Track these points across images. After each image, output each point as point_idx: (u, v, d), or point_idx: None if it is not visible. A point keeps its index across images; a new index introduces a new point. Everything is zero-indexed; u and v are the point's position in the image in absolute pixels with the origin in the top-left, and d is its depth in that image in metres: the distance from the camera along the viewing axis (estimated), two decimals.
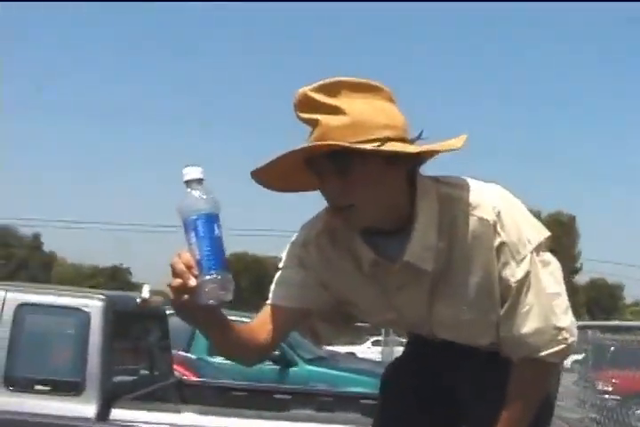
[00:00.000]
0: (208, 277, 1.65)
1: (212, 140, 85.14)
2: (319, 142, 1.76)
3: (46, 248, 66.51)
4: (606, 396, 7.85)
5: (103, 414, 3.96)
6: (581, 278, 54.66)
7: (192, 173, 1.69)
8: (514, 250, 1.89)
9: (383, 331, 24.97)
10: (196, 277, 1.64)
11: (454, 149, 1.84)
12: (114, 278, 59.43)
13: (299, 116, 1.82)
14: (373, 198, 1.83)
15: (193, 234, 1.67)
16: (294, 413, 4.94)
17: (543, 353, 1.93)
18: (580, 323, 8.40)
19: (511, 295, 1.91)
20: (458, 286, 1.94)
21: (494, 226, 1.88)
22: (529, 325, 1.91)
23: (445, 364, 2.15)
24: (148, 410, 4.00)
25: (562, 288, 1.96)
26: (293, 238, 2.06)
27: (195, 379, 6.44)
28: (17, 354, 4.17)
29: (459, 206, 1.90)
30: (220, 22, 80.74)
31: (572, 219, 52.32)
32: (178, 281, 1.65)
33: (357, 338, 29.30)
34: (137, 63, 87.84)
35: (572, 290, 50.55)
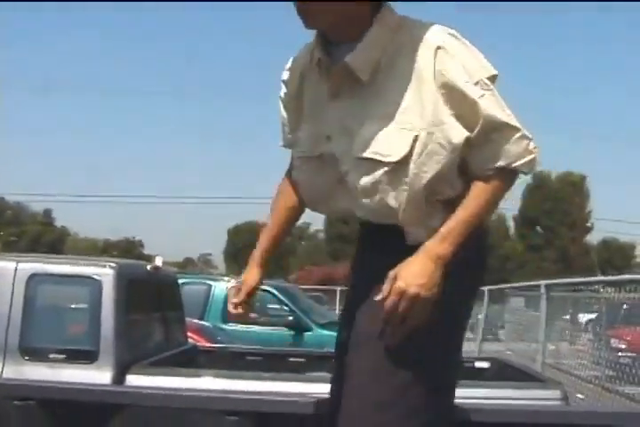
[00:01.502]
0: None
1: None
2: None
3: (58, 223, 66.78)
4: (620, 353, 7.85)
5: (119, 381, 3.98)
6: (593, 238, 54.59)
7: None
8: (468, 73, 2.03)
9: None
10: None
11: None
12: (127, 251, 59.67)
13: None
14: (330, 12, 2.04)
15: None
16: (309, 375, 4.94)
17: (519, 162, 2.05)
18: (593, 279, 8.41)
19: (481, 109, 2.02)
20: (388, 98, 2.06)
21: (445, 50, 2.03)
22: (504, 134, 2.03)
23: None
24: (164, 375, 4.01)
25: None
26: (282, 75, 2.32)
27: (209, 345, 6.46)
28: (31, 324, 4.18)
29: (411, 31, 2.08)
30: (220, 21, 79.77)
31: (583, 179, 52.09)
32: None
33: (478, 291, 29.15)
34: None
35: (584, 250, 50.53)
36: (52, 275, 4.27)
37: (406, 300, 1.94)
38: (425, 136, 2.01)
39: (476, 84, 2.03)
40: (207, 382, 4.02)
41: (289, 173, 2.41)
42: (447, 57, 2.03)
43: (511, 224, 53.58)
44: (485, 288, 10.74)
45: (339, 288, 25.13)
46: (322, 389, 2.55)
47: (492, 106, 2.03)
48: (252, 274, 2.45)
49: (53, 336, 4.36)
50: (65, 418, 2.91)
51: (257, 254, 2.46)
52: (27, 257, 4.52)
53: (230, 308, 2.42)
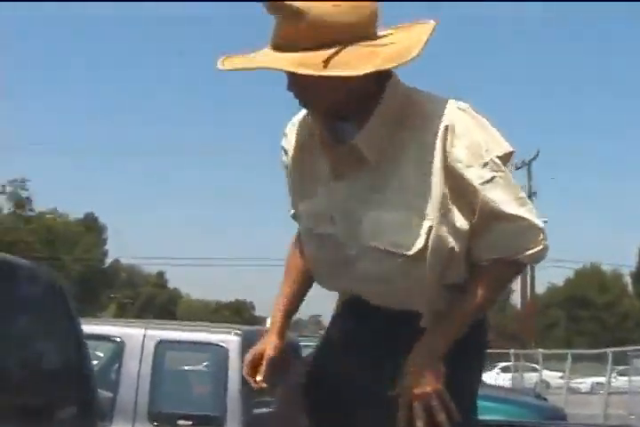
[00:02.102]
0: None
1: None
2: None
3: (170, 285, 68.11)
4: None
5: None
6: None
7: None
8: (476, 154, 1.90)
9: (512, 357, 24.50)
10: None
11: (410, 60, 1.85)
12: (238, 313, 60.28)
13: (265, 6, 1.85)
14: (327, 98, 1.92)
15: None
16: None
17: (526, 253, 1.92)
18: None
19: (484, 199, 1.89)
20: (394, 184, 1.94)
21: (452, 129, 1.90)
22: (511, 225, 1.90)
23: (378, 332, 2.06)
24: None
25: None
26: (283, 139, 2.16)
27: None
28: (159, 390, 4.26)
29: (421, 109, 1.94)
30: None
31: None
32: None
33: (485, 365, 28.76)
34: None
35: None
36: (179, 342, 4.35)
37: (430, 409, 1.93)
38: (437, 225, 1.92)
39: (484, 165, 1.90)
40: None
41: (299, 235, 2.25)
42: (455, 137, 1.90)
43: (629, 281, 51.97)
44: (609, 351, 10.38)
45: None
46: None
47: (498, 193, 1.90)
48: (272, 343, 2.19)
49: (181, 402, 4.43)
50: None
51: (277, 320, 2.23)
52: (155, 324, 4.62)
53: (251, 381, 2.18)
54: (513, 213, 1.90)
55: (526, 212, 1.92)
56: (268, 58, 1.86)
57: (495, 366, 28.54)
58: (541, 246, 1.93)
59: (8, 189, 32.17)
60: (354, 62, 1.83)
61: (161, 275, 67.54)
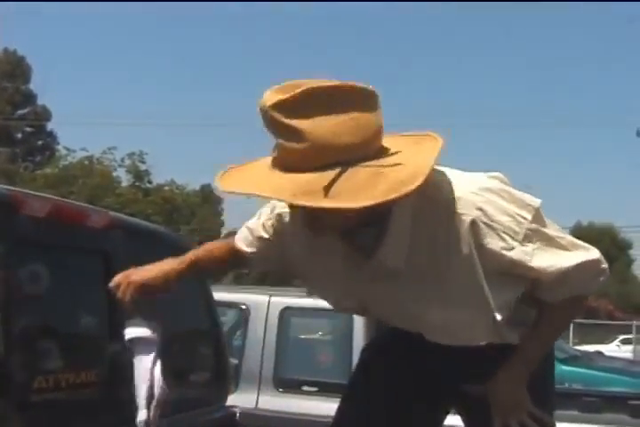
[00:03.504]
0: None
1: None
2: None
3: None
4: None
5: None
6: None
7: None
8: (512, 233, 1.84)
9: (634, 329, 23.91)
10: None
11: (412, 190, 1.68)
12: None
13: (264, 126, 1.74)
14: (338, 223, 1.81)
15: None
16: (557, 413, 4.76)
17: (594, 287, 1.99)
18: None
19: (537, 268, 1.87)
20: (446, 288, 1.89)
21: (480, 221, 1.83)
22: (576, 271, 1.90)
23: (430, 349, 2.06)
24: None
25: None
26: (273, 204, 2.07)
27: None
28: (284, 356, 4.31)
29: (437, 207, 1.84)
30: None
31: None
32: None
33: (604, 337, 28.20)
34: None
35: None
36: (303, 309, 4.38)
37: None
38: (497, 312, 1.93)
39: (524, 240, 1.86)
40: None
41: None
42: (484, 228, 1.84)
43: None
44: None
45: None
46: None
47: (548, 257, 1.88)
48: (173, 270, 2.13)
49: (305, 368, 4.47)
50: None
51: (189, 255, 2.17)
52: (279, 291, 4.67)
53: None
54: (572, 264, 1.90)
55: (581, 254, 1.92)
56: (268, 182, 1.73)
57: (615, 339, 27.97)
58: (605, 275, 1.97)
59: (127, 162, 33.07)
60: (354, 191, 1.68)
61: None
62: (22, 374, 2.20)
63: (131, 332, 2.10)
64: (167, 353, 2.99)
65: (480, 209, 1.84)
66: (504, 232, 1.85)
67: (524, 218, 1.87)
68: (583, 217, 55.25)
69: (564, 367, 8.74)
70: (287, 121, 1.69)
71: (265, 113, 1.70)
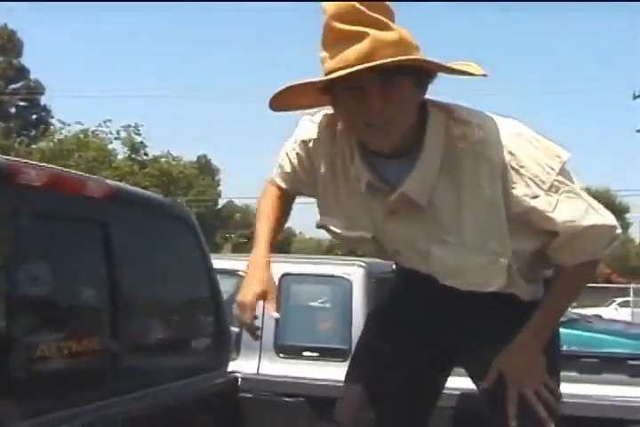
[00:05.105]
0: None
1: None
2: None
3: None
4: None
5: None
6: None
7: None
8: (538, 182, 1.86)
9: (632, 292, 24.03)
10: None
11: (484, 75, 1.82)
12: (351, 251, 60.64)
13: (337, 28, 1.75)
14: (406, 117, 1.84)
15: None
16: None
17: (604, 252, 1.99)
18: None
19: (556, 220, 1.90)
20: (465, 229, 1.91)
21: (506, 165, 1.85)
22: (590, 233, 1.93)
23: (438, 303, 2.13)
24: None
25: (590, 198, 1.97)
26: (299, 132, 2.11)
27: None
28: (285, 323, 4.32)
29: (469, 146, 1.87)
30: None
31: None
32: None
33: (602, 300, 28.33)
34: None
35: None
36: (302, 275, 4.40)
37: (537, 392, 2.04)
38: (512, 260, 1.96)
39: (549, 189, 1.89)
40: None
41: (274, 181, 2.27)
42: (514, 172, 1.87)
43: None
44: None
45: None
46: None
47: (570, 211, 1.91)
48: (267, 279, 2.11)
49: (306, 334, 4.50)
50: (319, 414, 3.00)
51: (264, 234, 2.18)
52: (278, 258, 4.67)
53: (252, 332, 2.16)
54: (589, 224, 1.93)
55: (599, 217, 1.95)
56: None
57: (614, 302, 28.10)
58: (617, 241, 1.99)
59: (123, 134, 32.95)
60: (448, 65, 1.83)
61: None
62: (24, 342, 2.21)
63: None
64: (168, 321, 3.03)
65: (511, 153, 1.87)
66: (531, 179, 1.87)
67: (552, 168, 1.89)
68: (580, 182, 55.13)
69: (563, 330, 8.76)
70: (376, 15, 1.76)
71: (351, 7, 1.74)
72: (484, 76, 1.83)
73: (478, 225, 1.91)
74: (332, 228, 2.11)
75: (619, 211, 44.57)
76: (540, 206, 1.89)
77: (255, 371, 4.12)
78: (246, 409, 3.16)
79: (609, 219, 1.97)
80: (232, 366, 3.34)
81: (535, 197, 1.88)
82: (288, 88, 1.84)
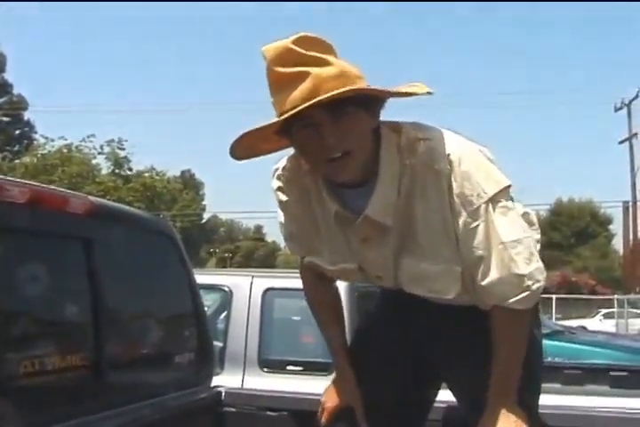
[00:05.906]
0: None
1: None
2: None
3: (269, 238, 69.00)
4: None
5: None
6: None
7: None
8: (466, 202, 1.91)
9: (616, 303, 24.11)
10: None
11: (429, 93, 1.89)
12: None
13: (279, 72, 1.82)
14: (363, 145, 1.90)
15: None
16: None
17: (509, 301, 1.94)
18: None
19: (467, 247, 1.94)
20: (420, 239, 1.98)
21: (448, 177, 1.90)
22: (490, 275, 1.93)
23: (416, 319, 2.20)
24: None
25: (525, 234, 1.96)
26: (274, 184, 2.16)
27: None
28: (268, 337, 4.34)
29: (417, 158, 1.93)
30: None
31: None
32: None
33: (587, 311, 28.42)
34: None
35: None
36: (287, 289, 4.41)
37: None
38: (461, 268, 1.99)
39: (473, 212, 1.92)
40: None
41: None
42: (454, 186, 1.91)
43: None
44: None
45: (554, 296, 24.51)
46: None
47: (478, 241, 1.94)
48: (348, 391, 2.31)
49: (289, 349, 4.50)
50: None
51: (341, 363, 2.36)
52: (262, 273, 4.69)
53: None
54: (493, 262, 1.93)
55: (508, 260, 1.93)
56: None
57: (598, 313, 28.19)
58: (528, 292, 1.95)
59: (106, 149, 32.92)
60: (393, 90, 1.91)
61: (259, 229, 68.47)
62: (7, 359, 2.21)
63: None
64: (151, 336, 3.03)
65: (452, 166, 1.91)
66: (464, 198, 1.92)
67: (485, 192, 1.92)
68: (564, 194, 55.57)
69: (547, 342, 8.81)
70: (311, 52, 1.83)
71: (286, 49, 1.82)
72: (429, 93, 1.89)
73: (432, 235, 1.97)
74: (319, 264, 2.20)
75: (602, 222, 44.79)
76: (460, 223, 1.94)
77: (239, 385, 4.12)
78: (230, 424, 3.16)
79: (522, 268, 1.94)
80: (216, 381, 3.35)
81: (459, 214, 1.93)
82: (245, 134, 1.88)
